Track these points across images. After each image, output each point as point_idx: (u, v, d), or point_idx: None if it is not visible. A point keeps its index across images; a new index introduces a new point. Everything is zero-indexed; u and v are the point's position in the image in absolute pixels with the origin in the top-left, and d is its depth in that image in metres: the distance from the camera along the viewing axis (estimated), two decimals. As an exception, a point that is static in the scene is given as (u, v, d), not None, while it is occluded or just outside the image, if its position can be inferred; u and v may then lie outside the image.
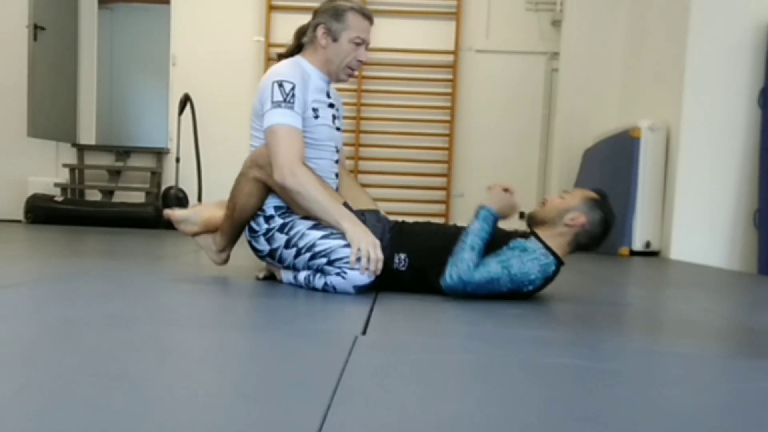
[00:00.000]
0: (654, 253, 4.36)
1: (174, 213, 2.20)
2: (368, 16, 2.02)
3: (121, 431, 0.71)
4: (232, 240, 2.13)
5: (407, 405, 0.86)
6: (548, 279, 1.89)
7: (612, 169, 4.68)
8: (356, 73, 2.08)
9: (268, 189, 1.95)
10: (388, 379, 1.00)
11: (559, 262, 1.90)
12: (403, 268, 1.92)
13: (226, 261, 2.19)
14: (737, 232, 4.12)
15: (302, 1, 5.78)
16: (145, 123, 7.36)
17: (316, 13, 2.03)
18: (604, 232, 1.91)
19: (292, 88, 1.91)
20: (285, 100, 1.89)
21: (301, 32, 2.09)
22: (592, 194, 1.95)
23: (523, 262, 1.83)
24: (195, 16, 6.10)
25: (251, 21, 6.10)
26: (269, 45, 5.99)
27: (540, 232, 1.93)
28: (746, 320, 1.89)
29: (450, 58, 6.03)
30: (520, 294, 1.87)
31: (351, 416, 0.80)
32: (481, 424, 0.80)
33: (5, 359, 1.03)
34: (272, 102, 1.90)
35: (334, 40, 1.99)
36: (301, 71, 1.97)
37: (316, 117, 1.99)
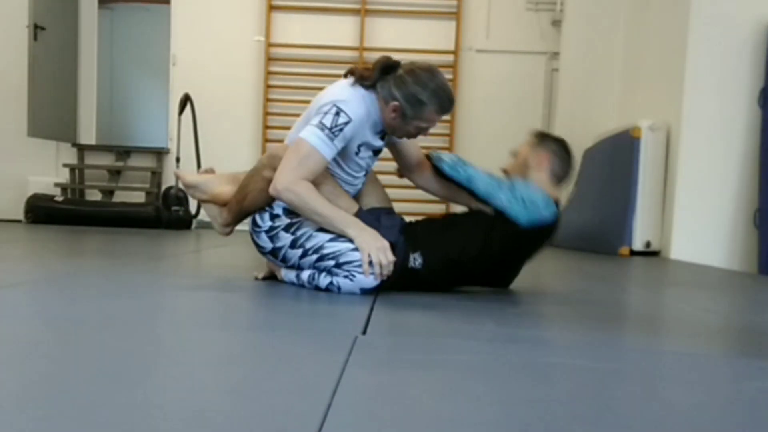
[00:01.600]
0: (654, 253, 4.36)
1: (186, 177, 2.19)
2: (447, 111, 1.93)
3: (121, 430, 0.71)
4: (237, 220, 2.13)
5: (407, 405, 0.86)
6: (554, 221, 1.90)
7: (612, 169, 4.68)
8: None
9: None
10: (388, 379, 1.00)
11: (557, 204, 1.94)
12: (419, 266, 1.92)
13: (229, 233, 2.19)
14: (737, 232, 4.12)
15: (302, 1, 5.78)
16: (145, 123, 7.36)
17: (401, 80, 1.87)
18: (566, 153, 2.02)
19: (346, 123, 1.82)
20: (331, 129, 1.81)
21: (385, 68, 1.91)
22: (531, 136, 2.08)
23: (527, 185, 1.88)
24: (195, 16, 6.11)
25: (251, 21, 6.10)
26: (269, 45, 5.99)
27: None
28: (747, 320, 1.88)
29: (450, 57, 6.03)
30: (515, 255, 1.95)
31: (351, 416, 0.80)
32: (481, 424, 0.80)
33: (5, 358, 1.03)
34: (321, 122, 1.82)
35: (403, 119, 1.89)
36: (367, 111, 1.87)
37: (357, 153, 1.94)
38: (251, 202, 1.99)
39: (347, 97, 1.85)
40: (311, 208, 1.82)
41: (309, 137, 1.82)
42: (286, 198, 1.82)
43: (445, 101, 1.89)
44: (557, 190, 2.00)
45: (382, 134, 1.98)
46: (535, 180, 1.96)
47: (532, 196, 1.85)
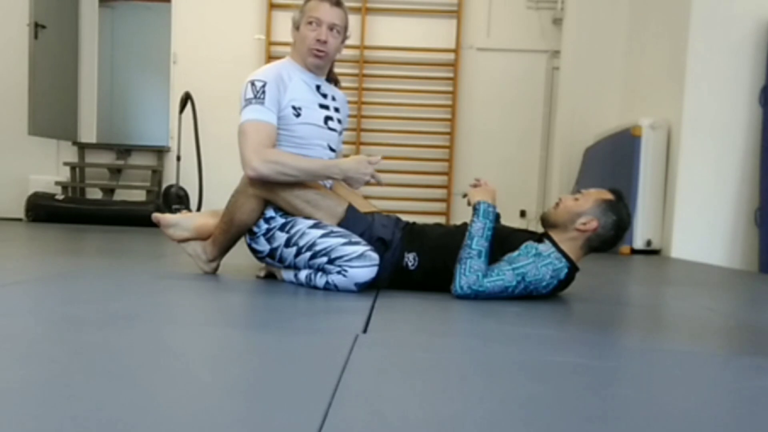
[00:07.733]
0: (655, 252, 4.36)
1: (164, 217, 2.14)
2: None
3: (121, 429, 0.71)
4: (224, 251, 2.11)
5: (408, 403, 0.86)
6: (562, 282, 1.87)
7: (613, 168, 4.68)
8: (321, 55, 2.03)
9: (267, 201, 1.97)
10: (389, 377, 1.00)
11: (573, 267, 1.88)
12: (413, 268, 1.92)
13: (215, 270, 2.15)
14: (738, 231, 4.12)
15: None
16: (145, 121, 7.36)
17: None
18: (616, 235, 1.89)
19: (263, 86, 1.95)
20: (255, 97, 1.93)
21: None
22: (607, 195, 1.91)
23: (537, 267, 1.81)
24: (196, 14, 6.10)
25: (252, 19, 6.10)
26: (270, 43, 5.99)
27: (553, 234, 1.91)
28: (747, 318, 1.88)
29: (451, 56, 6.02)
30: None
31: (352, 415, 0.80)
32: (482, 422, 0.80)
33: (6, 357, 1.03)
34: (244, 100, 1.95)
35: (296, 28, 2.07)
36: (278, 71, 2.01)
37: (297, 115, 1.99)
38: (240, 225, 1.98)
39: (256, 72, 2.01)
40: (292, 165, 1.88)
41: (243, 117, 1.94)
42: (264, 169, 1.86)
43: None
44: (581, 255, 1.92)
45: (321, 95, 2.09)
46: (566, 241, 1.88)
47: (538, 281, 1.82)
